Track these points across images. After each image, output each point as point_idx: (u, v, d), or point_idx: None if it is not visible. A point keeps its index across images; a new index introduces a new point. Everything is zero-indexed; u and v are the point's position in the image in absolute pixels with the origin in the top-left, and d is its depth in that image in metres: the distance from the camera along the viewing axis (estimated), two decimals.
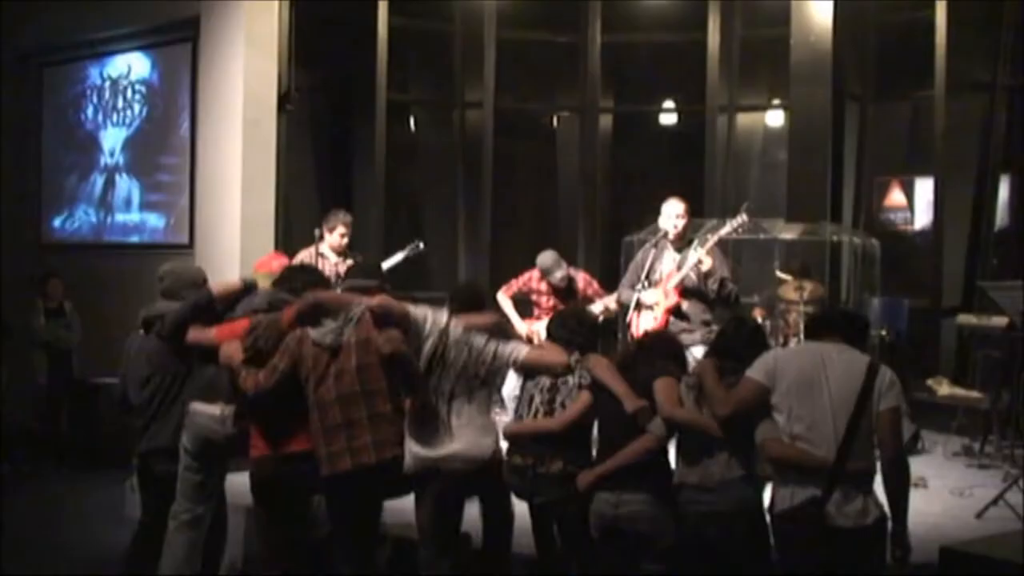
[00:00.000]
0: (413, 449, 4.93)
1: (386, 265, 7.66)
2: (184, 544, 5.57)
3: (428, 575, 5.02)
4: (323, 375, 4.91)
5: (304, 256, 7.81)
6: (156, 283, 5.76)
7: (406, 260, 7.83)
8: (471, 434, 4.94)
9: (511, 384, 6.59)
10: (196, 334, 5.34)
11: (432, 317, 5.03)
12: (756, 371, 4.43)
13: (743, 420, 4.41)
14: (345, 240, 7.75)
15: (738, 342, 4.75)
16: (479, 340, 4.99)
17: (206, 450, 5.54)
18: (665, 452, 4.81)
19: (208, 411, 5.50)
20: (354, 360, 4.91)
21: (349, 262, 7.69)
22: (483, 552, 5.24)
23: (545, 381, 5.03)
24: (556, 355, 5.05)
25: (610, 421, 4.81)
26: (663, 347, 5.09)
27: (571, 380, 4.98)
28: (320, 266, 7.55)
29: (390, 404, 4.95)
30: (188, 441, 5.54)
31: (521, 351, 5.04)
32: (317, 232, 7.74)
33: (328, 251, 7.73)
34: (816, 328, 4.61)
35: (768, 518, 4.45)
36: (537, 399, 5.02)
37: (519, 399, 5.16)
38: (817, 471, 4.19)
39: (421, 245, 7.83)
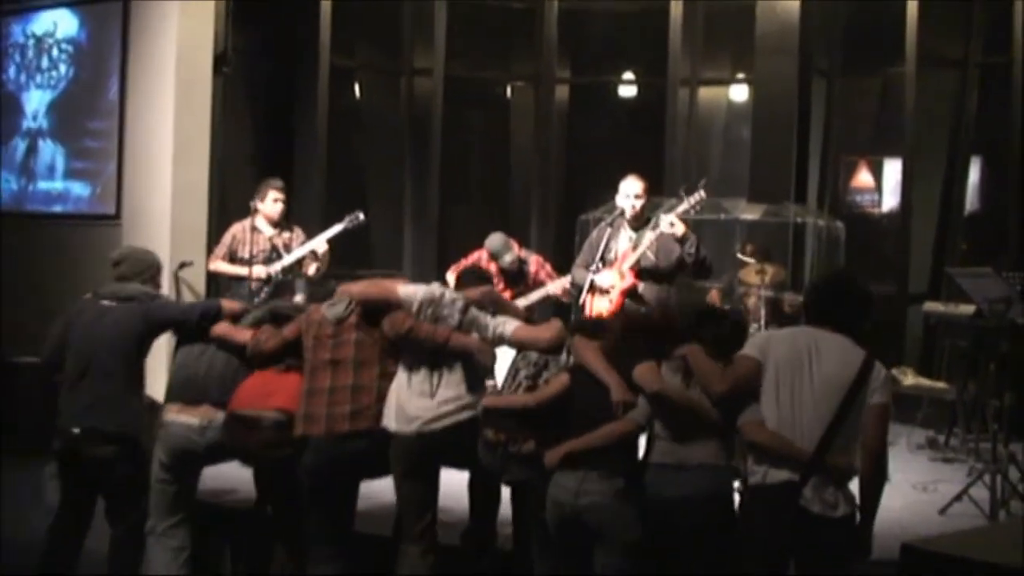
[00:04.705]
0: (391, 413, 5.05)
1: (324, 237, 7.54)
2: (168, 557, 5.42)
3: (407, 545, 5.05)
4: (323, 342, 5.23)
5: (237, 230, 7.62)
6: (110, 267, 5.73)
7: (345, 232, 7.60)
8: (449, 400, 4.99)
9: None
10: (225, 328, 5.57)
11: (424, 290, 5.18)
12: (751, 348, 4.49)
13: (733, 403, 4.42)
14: (279, 207, 7.55)
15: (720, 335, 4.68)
16: (472, 310, 5.11)
17: (183, 462, 5.45)
18: (636, 442, 4.72)
19: (185, 420, 5.40)
20: (355, 335, 5.20)
21: (287, 234, 7.60)
22: (465, 532, 5.38)
23: (533, 356, 5.03)
24: (547, 331, 5.00)
25: (587, 406, 4.69)
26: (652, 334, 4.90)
27: (562, 359, 4.97)
28: (254, 240, 7.45)
29: (378, 379, 5.14)
30: (163, 453, 5.44)
31: (508, 326, 5.05)
32: (252, 205, 7.53)
33: (263, 224, 7.52)
34: (815, 312, 4.52)
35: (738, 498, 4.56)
36: (522, 373, 5.02)
37: (507, 373, 5.16)
38: (794, 460, 4.22)
39: (361, 216, 7.61)
